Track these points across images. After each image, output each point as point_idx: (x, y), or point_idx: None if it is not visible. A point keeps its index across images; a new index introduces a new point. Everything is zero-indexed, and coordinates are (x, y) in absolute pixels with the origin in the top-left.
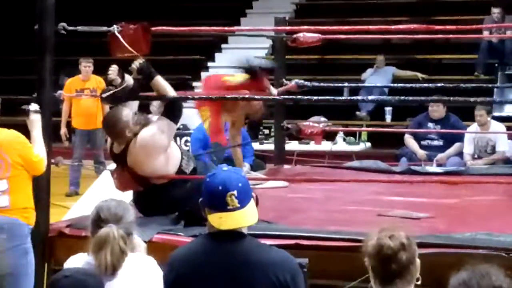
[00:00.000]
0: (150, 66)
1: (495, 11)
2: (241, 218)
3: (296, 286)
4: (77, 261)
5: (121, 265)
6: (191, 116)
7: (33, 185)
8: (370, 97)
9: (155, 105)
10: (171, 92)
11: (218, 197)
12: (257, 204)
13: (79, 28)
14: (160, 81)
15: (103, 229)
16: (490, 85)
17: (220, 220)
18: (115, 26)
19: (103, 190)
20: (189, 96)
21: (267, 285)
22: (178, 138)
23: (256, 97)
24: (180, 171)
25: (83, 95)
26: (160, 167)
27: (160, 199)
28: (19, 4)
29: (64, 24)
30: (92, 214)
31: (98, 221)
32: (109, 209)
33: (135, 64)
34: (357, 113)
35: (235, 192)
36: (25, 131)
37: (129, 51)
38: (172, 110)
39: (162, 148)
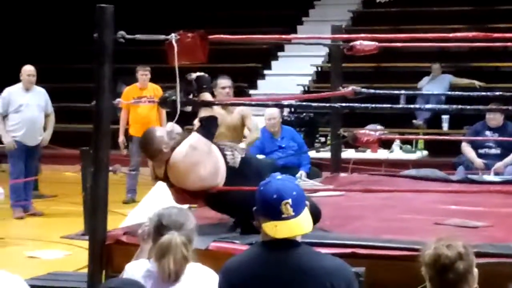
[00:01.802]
0: (208, 81)
1: None
2: (296, 227)
3: None
4: (138, 267)
5: (184, 272)
6: None
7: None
8: (427, 106)
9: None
10: (212, 110)
11: (273, 205)
12: (319, 217)
13: (138, 36)
14: (206, 96)
15: (165, 236)
16: None
17: (276, 229)
18: (172, 34)
19: (159, 198)
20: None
21: None
22: None
23: (313, 104)
24: (228, 168)
25: (140, 102)
26: (206, 179)
27: (223, 204)
28: (79, 13)
29: (123, 32)
30: (154, 221)
31: (160, 227)
32: (171, 216)
33: (196, 73)
34: (414, 121)
35: (289, 201)
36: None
37: (186, 59)
38: (206, 126)
39: (198, 164)
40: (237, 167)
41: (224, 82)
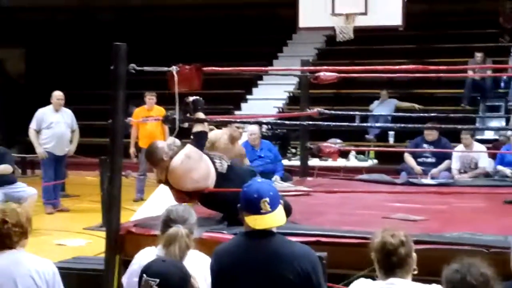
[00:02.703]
0: (202, 104)
1: (478, 55)
2: (272, 220)
3: (316, 275)
4: (148, 253)
5: (185, 258)
6: None
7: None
8: (377, 124)
9: None
10: (204, 126)
11: (254, 203)
12: (290, 212)
13: (145, 68)
14: (200, 115)
15: (172, 228)
16: (473, 115)
17: (255, 222)
18: (173, 66)
19: (163, 197)
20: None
21: (293, 273)
22: None
23: (286, 122)
24: (217, 173)
25: (147, 120)
26: (199, 182)
27: (215, 202)
28: (100, 49)
29: (133, 65)
30: (163, 215)
31: (168, 221)
32: (178, 212)
33: (193, 97)
34: (366, 136)
35: (267, 199)
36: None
37: (184, 86)
38: (198, 140)
39: (192, 170)
40: (225, 172)
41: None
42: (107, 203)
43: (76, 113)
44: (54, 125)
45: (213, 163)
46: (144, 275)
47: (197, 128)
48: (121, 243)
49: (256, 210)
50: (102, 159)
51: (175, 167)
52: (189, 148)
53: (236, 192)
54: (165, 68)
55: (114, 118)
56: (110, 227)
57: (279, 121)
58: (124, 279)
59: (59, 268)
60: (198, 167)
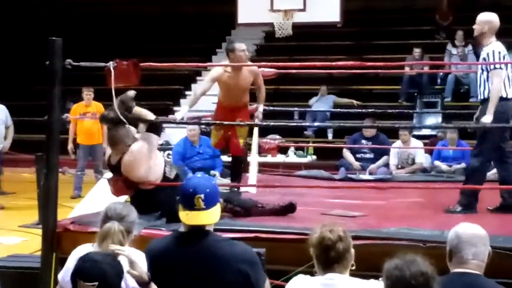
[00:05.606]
0: (130, 100)
1: (417, 51)
2: (204, 217)
3: (255, 273)
4: (84, 250)
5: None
6: (172, 134)
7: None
8: (315, 124)
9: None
10: (150, 116)
11: (188, 198)
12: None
13: (82, 63)
14: (138, 110)
15: (106, 225)
16: (410, 111)
17: (187, 217)
18: (111, 62)
19: (101, 194)
20: (166, 119)
21: (230, 273)
22: (161, 152)
23: (225, 122)
24: (164, 177)
25: (85, 117)
26: (146, 173)
27: (149, 201)
28: (34, 44)
29: (70, 60)
30: (102, 213)
31: (106, 218)
32: (116, 210)
33: (116, 100)
34: (305, 132)
35: (202, 196)
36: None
37: (122, 82)
38: (154, 128)
39: (147, 158)
40: (171, 178)
41: (242, 46)
42: (44, 200)
43: (12, 109)
44: None
45: (164, 167)
46: (78, 278)
47: (150, 116)
48: (58, 241)
49: (189, 205)
50: (38, 156)
51: (135, 150)
52: (148, 137)
53: (175, 193)
54: (102, 64)
55: (50, 114)
56: (46, 225)
57: (217, 122)
58: (60, 276)
59: None
60: (153, 156)
